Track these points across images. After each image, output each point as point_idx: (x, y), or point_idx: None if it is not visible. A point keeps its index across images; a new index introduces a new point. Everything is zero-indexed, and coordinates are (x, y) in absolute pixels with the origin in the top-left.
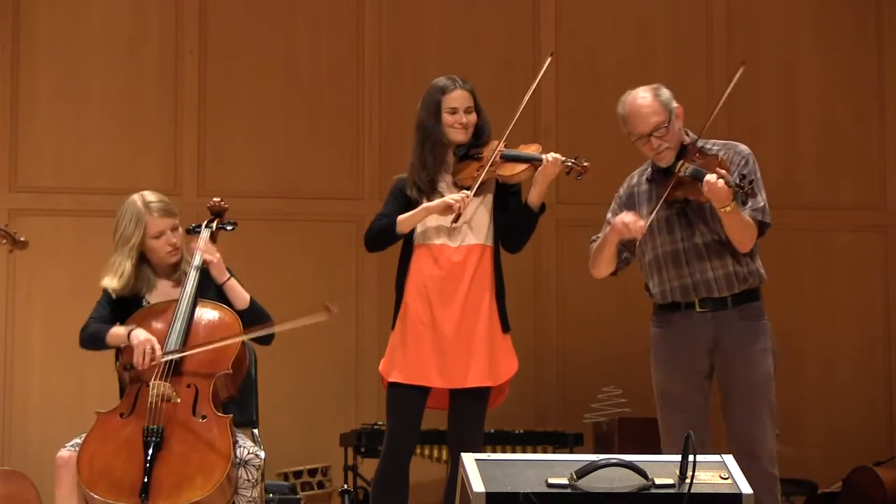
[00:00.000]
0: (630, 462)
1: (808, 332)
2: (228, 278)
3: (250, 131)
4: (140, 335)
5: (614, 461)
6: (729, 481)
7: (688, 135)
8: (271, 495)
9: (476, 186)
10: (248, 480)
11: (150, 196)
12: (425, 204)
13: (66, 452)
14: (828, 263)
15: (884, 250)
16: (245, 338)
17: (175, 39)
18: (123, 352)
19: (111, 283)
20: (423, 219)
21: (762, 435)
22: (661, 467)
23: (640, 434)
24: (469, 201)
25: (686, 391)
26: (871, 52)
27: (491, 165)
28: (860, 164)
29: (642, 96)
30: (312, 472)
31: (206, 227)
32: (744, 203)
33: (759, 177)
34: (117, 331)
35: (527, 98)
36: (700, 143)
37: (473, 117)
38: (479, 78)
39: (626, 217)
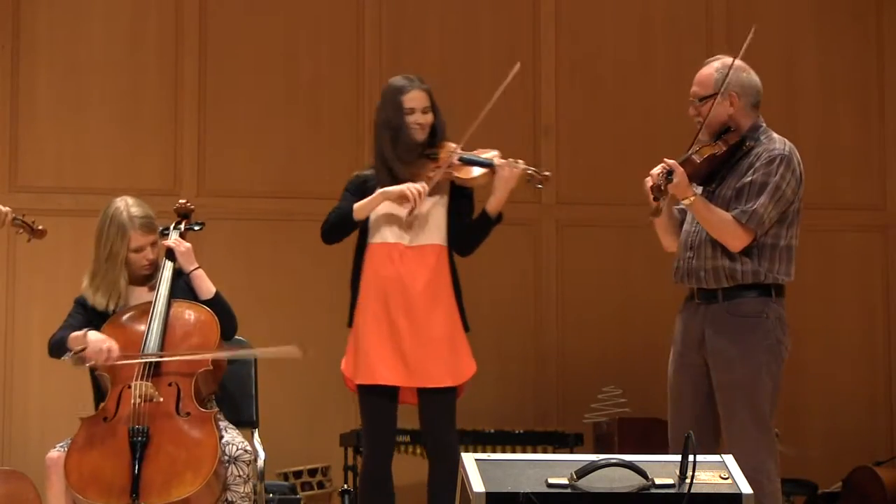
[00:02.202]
0: (630, 462)
1: (808, 331)
2: (196, 267)
3: (250, 131)
4: (95, 335)
5: (614, 461)
6: (729, 481)
7: (758, 121)
8: (271, 495)
9: (432, 184)
10: (240, 476)
11: (135, 209)
12: (381, 189)
13: (56, 453)
14: (828, 263)
15: (884, 250)
16: (216, 356)
17: (175, 39)
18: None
19: (104, 300)
20: (379, 204)
21: (740, 437)
22: (661, 467)
23: (640, 434)
24: (425, 195)
25: (679, 382)
26: (871, 52)
27: (448, 167)
28: (860, 164)
29: (707, 64)
30: (312, 472)
31: (175, 228)
32: (739, 199)
33: (775, 181)
34: (77, 333)
35: (489, 106)
36: (758, 134)
37: (430, 117)
38: (479, 78)
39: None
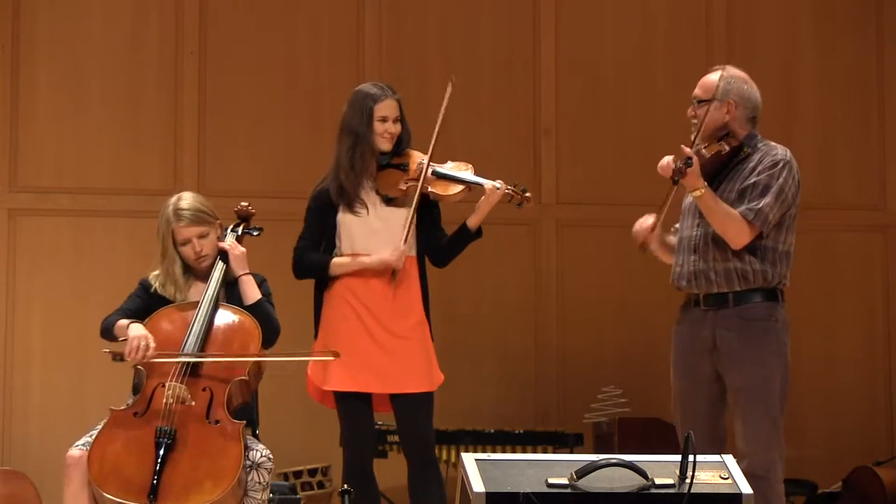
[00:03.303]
0: (630, 462)
1: (808, 332)
2: (246, 272)
3: (250, 131)
4: (137, 330)
5: (614, 461)
6: (729, 481)
7: (751, 132)
8: (271, 495)
9: (412, 213)
10: (260, 483)
11: (184, 202)
12: (361, 259)
13: (77, 451)
14: (828, 263)
15: (884, 250)
16: (256, 359)
17: (175, 40)
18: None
19: (164, 287)
20: (356, 269)
21: (753, 437)
22: (661, 467)
23: (640, 434)
24: (405, 256)
25: (689, 389)
26: (871, 52)
27: (423, 181)
28: (860, 164)
29: (714, 71)
30: (312, 472)
31: (232, 231)
32: (743, 199)
33: (778, 184)
34: (122, 323)
35: (441, 115)
36: (754, 142)
37: (399, 127)
38: (479, 78)
39: (640, 224)
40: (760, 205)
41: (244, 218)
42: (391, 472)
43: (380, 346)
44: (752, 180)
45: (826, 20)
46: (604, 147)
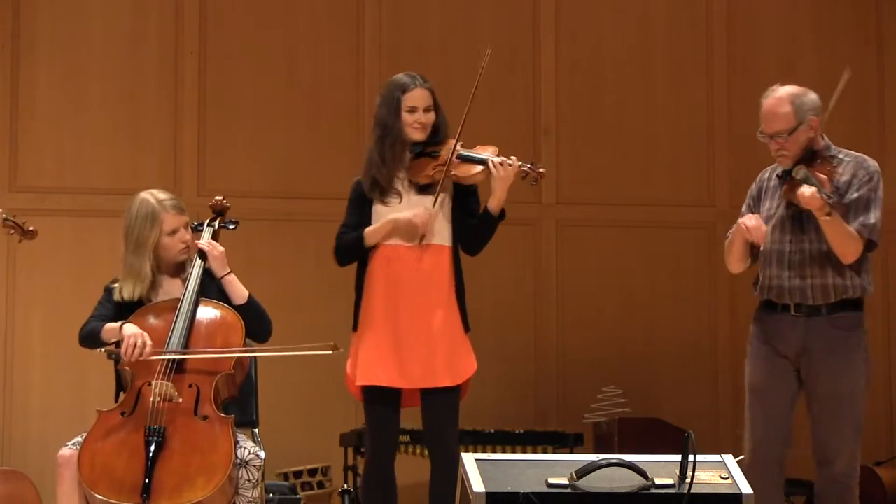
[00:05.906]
0: (630, 462)
1: None
2: (228, 272)
3: (250, 131)
4: (131, 329)
5: (614, 461)
6: (729, 481)
7: (823, 139)
8: (271, 495)
9: (437, 194)
10: (249, 481)
11: (162, 194)
12: (392, 216)
13: (68, 451)
14: None
15: (883, 250)
16: (246, 354)
17: (175, 39)
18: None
19: (131, 288)
20: (389, 230)
21: (840, 446)
22: (661, 467)
23: (640, 434)
24: (433, 219)
25: (770, 386)
26: (871, 52)
27: (448, 166)
28: None
29: (778, 97)
30: (312, 472)
31: (209, 225)
32: (847, 215)
33: (878, 195)
34: (112, 326)
35: (472, 96)
36: (833, 152)
37: (432, 116)
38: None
39: (749, 221)
40: (872, 220)
41: (220, 212)
42: (402, 470)
43: (403, 339)
44: (855, 195)
45: (826, 20)
46: (604, 147)
